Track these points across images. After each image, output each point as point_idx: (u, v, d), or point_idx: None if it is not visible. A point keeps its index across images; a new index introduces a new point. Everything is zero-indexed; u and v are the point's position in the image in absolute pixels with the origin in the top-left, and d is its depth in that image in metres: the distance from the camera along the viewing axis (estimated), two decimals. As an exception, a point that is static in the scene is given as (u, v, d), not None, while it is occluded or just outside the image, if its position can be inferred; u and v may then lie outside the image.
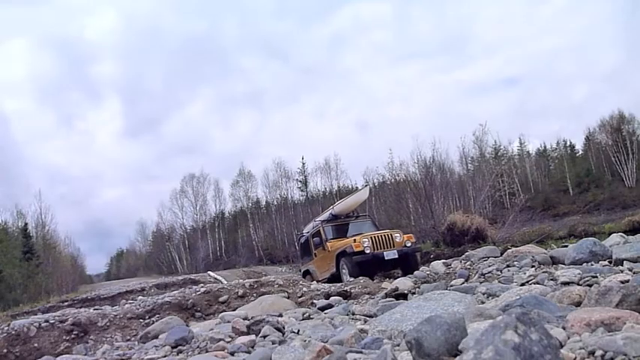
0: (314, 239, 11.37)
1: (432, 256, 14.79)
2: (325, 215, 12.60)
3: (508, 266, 3.80)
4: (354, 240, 9.80)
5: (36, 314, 8.84)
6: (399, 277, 7.11)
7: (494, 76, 70.51)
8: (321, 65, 71.45)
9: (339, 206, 12.12)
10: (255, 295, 6.96)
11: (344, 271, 9.70)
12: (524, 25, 68.96)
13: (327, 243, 10.93)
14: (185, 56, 76.09)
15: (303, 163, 42.90)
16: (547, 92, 62.41)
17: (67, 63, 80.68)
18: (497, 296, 2.70)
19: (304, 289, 7.09)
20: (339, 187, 44.03)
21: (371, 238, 9.71)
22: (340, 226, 11.66)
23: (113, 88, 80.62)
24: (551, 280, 2.85)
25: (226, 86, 72.16)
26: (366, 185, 13.76)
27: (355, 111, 70.16)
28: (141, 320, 6.25)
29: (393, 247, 9.65)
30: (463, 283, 3.67)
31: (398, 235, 10.13)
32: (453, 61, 72.40)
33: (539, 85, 64.07)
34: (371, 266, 9.37)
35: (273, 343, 2.59)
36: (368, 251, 9.41)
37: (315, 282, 10.07)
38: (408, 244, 9.93)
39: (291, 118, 67.17)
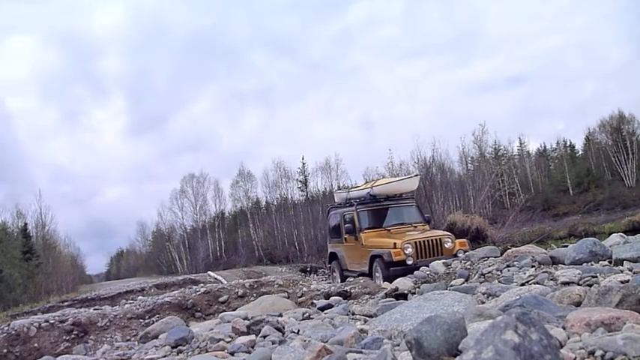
0: (346, 225, 9.51)
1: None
2: (361, 193, 10.29)
3: (508, 266, 3.80)
4: (394, 245, 8.02)
5: (36, 314, 8.83)
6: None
7: (499, 75, 70.36)
8: (330, 61, 71.07)
9: (381, 187, 9.87)
10: (255, 295, 6.96)
11: (377, 274, 8.25)
12: (531, 22, 68.79)
13: (361, 234, 9.08)
14: (192, 52, 75.93)
15: (304, 163, 42.87)
16: (552, 90, 62.32)
17: (72, 59, 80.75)
18: (497, 296, 2.70)
19: (304, 289, 7.09)
20: (339, 187, 44.00)
21: (415, 243, 8.00)
22: (378, 211, 9.63)
23: (118, 84, 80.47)
24: (551, 280, 2.85)
25: (233, 83, 71.80)
26: (416, 175, 10.90)
27: (359, 109, 70.02)
28: (141, 320, 6.25)
29: (442, 254, 7.85)
30: (463, 283, 3.67)
31: (449, 240, 8.28)
32: (460, 59, 72.20)
33: (545, 84, 63.83)
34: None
35: (273, 343, 2.58)
36: (410, 262, 7.70)
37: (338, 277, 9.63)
38: (460, 254, 7.25)
39: (296, 117, 66.82)
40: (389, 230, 9.09)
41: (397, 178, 10.37)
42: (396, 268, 7.58)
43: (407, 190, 10.05)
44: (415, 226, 9.24)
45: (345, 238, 9.68)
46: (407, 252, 7.82)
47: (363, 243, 8.95)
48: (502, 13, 71.05)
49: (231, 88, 70.72)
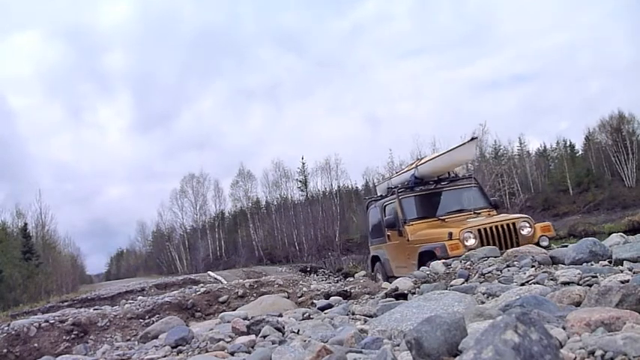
0: (386, 218, 7.71)
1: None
2: (403, 177, 8.35)
3: (508, 266, 3.80)
4: (450, 235, 6.12)
5: (36, 314, 8.83)
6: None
7: (504, 73, 70.21)
8: (338, 58, 70.66)
9: (427, 166, 7.80)
10: (255, 295, 6.97)
11: None
12: (538, 19, 68.59)
13: (407, 227, 7.21)
14: (199, 48, 75.71)
15: (303, 163, 42.88)
16: (557, 89, 62.26)
17: (77, 55, 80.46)
18: (497, 296, 2.70)
19: (304, 289, 7.09)
20: (339, 187, 44.06)
21: (479, 232, 6.14)
22: (427, 197, 7.73)
23: (124, 80, 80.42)
24: (551, 280, 2.85)
25: (240, 80, 71.78)
26: (472, 138, 7.41)
27: (364, 107, 70.03)
28: (141, 320, 6.25)
29: (518, 244, 5.86)
30: (463, 283, 3.67)
31: (526, 224, 6.34)
32: (467, 56, 72.38)
33: (550, 82, 63.65)
34: None
35: (273, 343, 2.58)
36: None
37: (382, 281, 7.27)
38: (544, 242, 5.97)
39: (300, 115, 67.01)
40: (443, 220, 7.18)
41: (446, 150, 7.83)
42: None
43: (461, 162, 8.01)
44: (478, 213, 7.24)
45: (388, 236, 7.92)
46: (468, 243, 5.93)
47: (409, 238, 7.09)
48: (514, 8, 70.54)
49: (238, 85, 70.74)
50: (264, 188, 44.87)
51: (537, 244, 5.74)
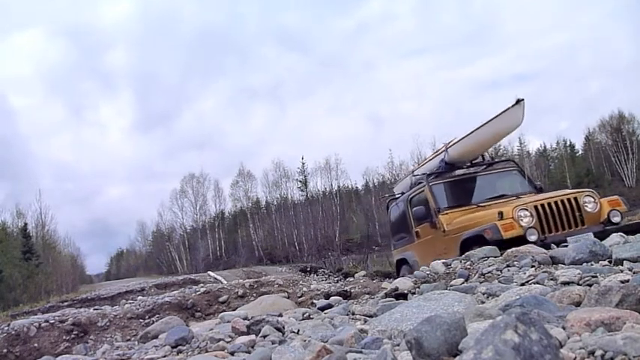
0: (414, 210, 6.76)
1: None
2: (432, 163, 7.41)
3: (508, 266, 3.79)
4: (500, 214, 5.26)
5: (36, 314, 8.84)
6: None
7: (505, 72, 69.96)
8: (342, 57, 70.33)
9: (460, 146, 6.82)
10: (255, 295, 6.97)
11: None
12: (540, 19, 68.46)
13: (440, 216, 6.38)
14: (201, 47, 75.28)
15: (303, 163, 42.93)
16: (558, 89, 62.19)
17: (78, 53, 79.51)
18: (497, 296, 2.70)
19: (304, 289, 7.09)
20: (339, 187, 44.09)
21: (536, 208, 5.26)
22: (460, 183, 6.86)
23: (125, 79, 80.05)
24: (551, 280, 2.85)
25: (242, 79, 71.44)
26: (518, 100, 5.97)
27: (365, 107, 69.83)
28: (141, 320, 6.26)
29: (583, 223, 5.21)
30: (463, 283, 3.67)
31: (591, 199, 5.45)
32: (468, 55, 72.31)
33: (551, 82, 63.58)
34: None
35: (273, 343, 2.58)
36: (533, 237, 4.91)
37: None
38: (616, 218, 5.22)
39: (302, 115, 66.78)
40: (483, 207, 6.27)
41: (484, 122, 6.51)
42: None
43: (507, 132, 6.70)
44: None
45: (417, 233, 7.00)
46: (524, 222, 5.08)
47: (445, 228, 6.26)
48: (516, 8, 70.31)
49: (240, 85, 70.46)
50: (264, 188, 44.97)
51: (608, 221, 5.16)
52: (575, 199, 5.40)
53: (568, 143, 46.71)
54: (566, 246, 3.89)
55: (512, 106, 6.16)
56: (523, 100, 6.12)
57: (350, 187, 46.89)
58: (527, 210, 5.22)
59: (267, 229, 42.41)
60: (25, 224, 29.39)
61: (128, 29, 77.56)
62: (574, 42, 63.20)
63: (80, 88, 73.64)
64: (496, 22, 70.15)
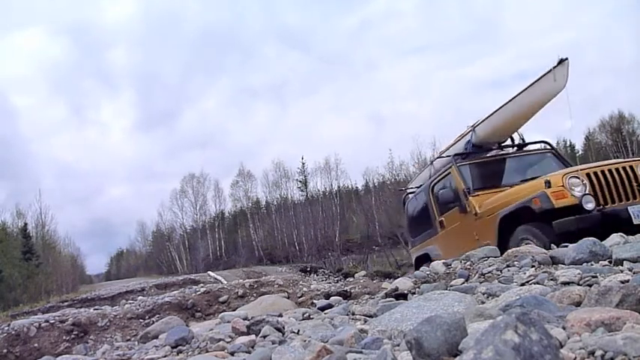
0: (441, 193, 6.24)
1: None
2: (458, 146, 6.83)
3: (508, 266, 3.79)
4: (547, 183, 4.69)
5: (36, 314, 8.84)
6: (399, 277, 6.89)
7: (505, 72, 69.20)
8: (345, 56, 69.15)
9: (489, 123, 6.27)
10: (255, 295, 6.98)
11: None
12: (544, 17, 68.05)
13: (471, 198, 5.80)
14: (204, 46, 74.71)
15: (303, 163, 42.93)
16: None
17: (80, 52, 78.65)
18: (497, 296, 2.70)
19: (304, 289, 7.09)
20: (339, 187, 44.08)
21: (587, 176, 4.66)
22: (489, 164, 6.35)
23: (127, 79, 79.28)
24: (551, 280, 2.85)
25: (244, 78, 70.20)
26: (562, 60, 5.18)
27: (366, 106, 69.06)
28: (141, 320, 6.26)
29: None
30: (463, 283, 3.67)
31: None
32: (469, 54, 71.37)
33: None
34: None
35: (273, 343, 2.58)
36: (590, 206, 4.42)
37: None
38: None
39: (303, 114, 66.25)
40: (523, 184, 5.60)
41: (520, 90, 5.89)
42: (567, 223, 4.34)
43: (548, 97, 5.74)
44: None
45: (441, 222, 6.46)
46: (576, 191, 4.51)
47: (478, 210, 5.66)
48: (519, 6, 69.88)
49: (242, 84, 69.41)
50: (264, 188, 44.96)
51: None
52: (631, 167, 4.80)
53: (568, 143, 46.76)
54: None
55: (555, 67, 5.47)
56: (567, 59, 5.46)
57: (350, 187, 46.90)
58: (578, 178, 4.61)
59: (267, 229, 42.42)
60: (25, 224, 29.43)
61: (130, 28, 77.29)
62: (574, 42, 63.09)
63: (81, 87, 73.20)
64: (497, 21, 69.98)
